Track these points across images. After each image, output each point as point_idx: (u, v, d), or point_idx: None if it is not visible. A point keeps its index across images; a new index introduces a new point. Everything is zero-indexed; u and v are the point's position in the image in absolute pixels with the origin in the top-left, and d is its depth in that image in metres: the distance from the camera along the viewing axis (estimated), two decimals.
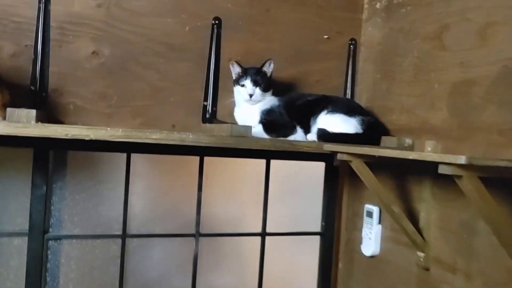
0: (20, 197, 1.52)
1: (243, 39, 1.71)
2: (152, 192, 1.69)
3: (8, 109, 1.16)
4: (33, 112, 1.16)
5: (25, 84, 1.49)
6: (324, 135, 1.46)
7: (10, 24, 1.47)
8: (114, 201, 1.62)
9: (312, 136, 1.50)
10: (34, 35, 1.49)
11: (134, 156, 1.61)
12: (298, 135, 1.57)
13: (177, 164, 1.73)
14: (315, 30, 1.79)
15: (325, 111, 1.54)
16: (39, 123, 1.16)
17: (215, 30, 1.66)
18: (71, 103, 1.54)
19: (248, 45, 1.72)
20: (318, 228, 1.84)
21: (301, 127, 1.57)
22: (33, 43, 1.49)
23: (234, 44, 1.69)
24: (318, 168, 1.85)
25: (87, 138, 1.18)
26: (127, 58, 1.58)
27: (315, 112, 1.56)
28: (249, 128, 1.35)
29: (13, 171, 1.54)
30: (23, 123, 1.15)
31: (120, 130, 1.20)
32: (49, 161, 1.54)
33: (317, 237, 1.84)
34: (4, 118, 1.25)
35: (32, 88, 1.49)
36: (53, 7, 1.50)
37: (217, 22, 1.66)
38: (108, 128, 1.20)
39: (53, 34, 1.51)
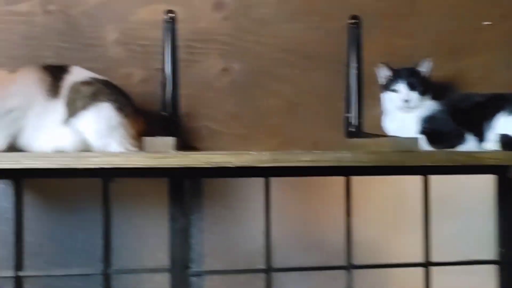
0: (158, 231, 1.42)
1: (384, 37, 1.47)
2: (294, 219, 1.51)
3: (146, 139, 1.04)
4: (170, 140, 1.03)
5: (156, 109, 1.38)
6: (509, 142, 1.16)
7: (137, 48, 1.39)
8: (254, 230, 1.46)
9: (491, 145, 1.20)
10: (162, 57, 1.39)
11: (272, 180, 1.44)
12: (468, 144, 1.29)
13: (318, 186, 1.52)
14: (472, 17, 1.49)
15: (503, 113, 1.24)
16: (178, 152, 1.03)
17: (353, 31, 1.44)
18: (204, 127, 1.41)
19: (390, 44, 1.48)
20: (492, 256, 1.51)
21: (472, 134, 1.28)
22: (161, 66, 1.39)
23: (373, 45, 1.46)
24: (484, 182, 1.53)
25: (230, 165, 1.02)
26: (258, 72, 1.43)
27: (489, 115, 1.27)
28: (415, 140, 1.11)
29: (148, 204, 1.45)
30: (162, 153, 1.02)
31: (266, 154, 1.03)
32: (185, 191, 1.42)
33: (493, 267, 1.51)
34: (140, 148, 1.15)
35: (164, 113, 1.38)
36: (179, 26, 1.39)
37: (354, 21, 1.43)
38: (253, 152, 1.03)
39: (181, 54, 1.39)
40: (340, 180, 1.49)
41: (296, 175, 1.43)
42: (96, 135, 1.09)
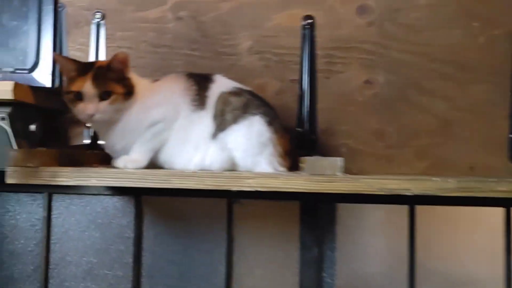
0: (286, 259, 1.27)
1: None
2: (440, 249, 1.30)
3: (308, 159, 0.89)
4: (338, 161, 0.87)
5: (291, 125, 1.24)
6: None
7: (273, 57, 1.26)
8: (395, 261, 1.27)
9: None
10: (298, 67, 1.25)
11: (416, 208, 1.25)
12: None
13: (467, 216, 1.31)
14: None
15: None
16: (347, 175, 0.87)
17: None
18: (344, 145, 1.25)
19: None
20: None
21: None
22: (298, 77, 1.25)
23: None
24: None
25: (408, 193, 0.85)
26: (406, 85, 1.25)
27: None
28: None
29: (275, 228, 1.31)
30: (327, 176, 0.86)
31: (452, 181, 0.85)
32: (318, 216, 1.26)
33: None
34: (288, 168, 1.00)
35: (299, 129, 1.24)
36: (318, 33, 1.25)
37: None
38: (436, 179, 0.85)
39: (319, 64, 1.25)
40: (494, 212, 1.27)
41: (442, 203, 1.23)
42: (245, 153, 0.96)
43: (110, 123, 0.95)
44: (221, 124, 0.96)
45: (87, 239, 1.33)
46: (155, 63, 1.26)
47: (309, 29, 1.25)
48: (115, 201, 1.33)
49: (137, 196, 1.30)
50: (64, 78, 0.99)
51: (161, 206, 1.32)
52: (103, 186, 1.27)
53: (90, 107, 0.92)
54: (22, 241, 1.34)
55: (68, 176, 0.87)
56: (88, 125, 1.22)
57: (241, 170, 0.99)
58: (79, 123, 1.22)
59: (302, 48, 1.25)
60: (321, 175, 0.87)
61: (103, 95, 0.93)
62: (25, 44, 1.25)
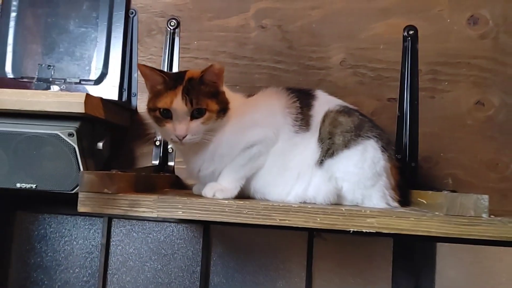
0: None
1: None
2: None
3: (446, 195, 0.72)
4: (485, 199, 0.69)
5: None
6: None
7: (368, 72, 1.10)
8: None
9: None
10: (398, 84, 1.08)
11: None
12: None
13: None
14: None
15: None
16: (495, 218, 0.69)
17: None
18: (450, 175, 1.07)
19: None
20: None
21: None
22: (397, 96, 1.08)
23: None
24: None
25: None
26: None
27: None
28: None
29: (362, 265, 1.13)
30: (469, 217, 0.69)
31: None
32: (414, 255, 1.08)
33: None
34: (399, 203, 0.83)
35: (398, 156, 1.06)
36: (421, 45, 1.08)
37: None
38: None
39: (423, 81, 1.08)
40: None
41: None
42: (356, 184, 0.80)
43: (198, 144, 0.80)
44: (329, 148, 0.80)
45: (148, 271, 1.18)
46: (235, 77, 1.12)
47: (412, 41, 1.09)
48: (181, 230, 1.18)
49: (206, 224, 1.15)
50: (149, 93, 0.84)
51: (232, 236, 1.17)
52: None
53: (181, 128, 0.78)
54: (76, 270, 1.21)
55: (150, 207, 0.73)
56: (170, 146, 1.08)
57: (347, 204, 0.82)
58: (146, 141, 1.09)
59: (403, 62, 1.09)
60: (462, 217, 0.70)
61: (196, 113, 0.78)
62: (92, 53, 1.14)
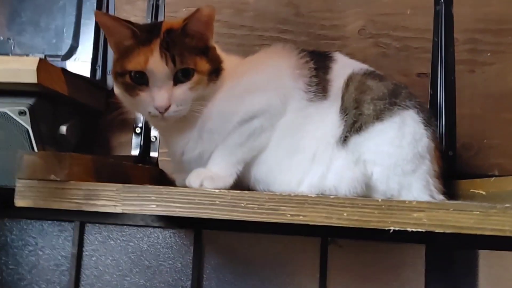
0: None
1: None
2: None
3: None
4: None
5: None
6: None
7: (393, 42, 0.90)
8: None
9: None
10: (429, 56, 0.89)
11: None
12: None
13: None
14: None
15: None
16: None
17: None
18: (494, 167, 0.87)
19: None
20: None
21: None
22: (428, 71, 0.88)
23: None
24: None
25: None
26: None
27: None
28: None
29: (393, 276, 0.92)
30: None
31: None
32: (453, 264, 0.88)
33: None
34: (445, 196, 0.63)
35: None
36: (458, 10, 0.89)
37: None
38: None
39: (459, 52, 0.88)
40: None
41: None
42: (391, 169, 0.59)
43: (184, 118, 0.60)
44: (356, 121, 0.60)
45: (128, 287, 0.98)
46: (231, 50, 0.91)
47: (445, 4, 0.89)
48: (168, 236, 0.98)
49: (197, 229, 0.95)
50: (114, 52, 0.63)
51: (229, 244, 0.96)
52: (156, 215, 0.92)
53: (162, 96, 0.58)
54: (43, 286, 1.00)
55: (113, 198, 0.53)
56: (154, 135, 0.88)
57: (378, 196, 0.62)
58: (125, 127, 0.89)
59: (435, 30, 0.89)
60: None
61: (181, 76, 0.58)
62: (60, 23, 0.95)
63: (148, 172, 0.85)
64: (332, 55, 0.67)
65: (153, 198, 0.53)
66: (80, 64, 0.93)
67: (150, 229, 0.97)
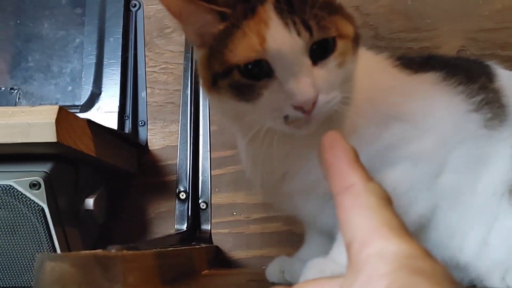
0: None
1: None
2: None
3: None
4: None
5: None
6: None
7: (503, 63, 0.70)
8: None
9: None
10: None
11: None
12: None
13: None
14: None
15: None
16: None
17: None
18: None
19: None
20: None
21: None
22: None
23: None
24: None
25: None
26: None
27: None
28: None
29: None
30: None
31: None
32: None
33: None
34: None
35: None
36: None
37: None
38: None
39: None
40: None
41: None
42: None
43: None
44: None
45: None
46: None
47: None
48: None
49: None
50: (199, 47, 0.40)
51: None
52: None
53: (304, 85, 0.35)
54: None
55: None
56: (203, 200, 0.67)
57: None
58: (165, 191, 0.68)
59: None
60: None
61: (316, 49, 0.36)
62: (77, 67, 0.75)
63: (204, 253, 0.63)
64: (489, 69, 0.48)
65: None
66: (105, 115, 0.73)
67: None
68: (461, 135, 0.42)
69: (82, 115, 0.73)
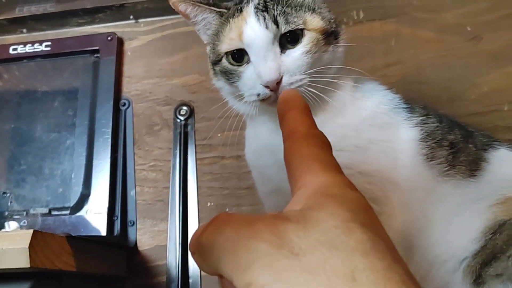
0: None
1: None
2: None
3: None
4: None
5: None
6: None
7: None
8: None
9: None
10: None
11: None
12: None
13: None
14: None
15: None
16: None
17: None
18: None
19: None
20: None
21: None
22: None
23: None
24: None
25: None
26: None
27: None
28: None
29: None
30: None
31: None
32: None
33: None
34: None
35: None
36: None
37: None
38: None
39: None
40: None
41: None
42: None
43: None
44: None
45: None
46: None
47: None
48: None
49: None
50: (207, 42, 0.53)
51: None
52: None
53: (268, 67, 0.44)
54: None
55: None
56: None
57: None
58: None
59: None
60: None
61: (288, 41, 0.46)
62: (67, 168, 0.76)
63: None
64: None
65: None
66: (93, 216, 0.73)
67: None
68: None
69: (71, 218, 0.73)
